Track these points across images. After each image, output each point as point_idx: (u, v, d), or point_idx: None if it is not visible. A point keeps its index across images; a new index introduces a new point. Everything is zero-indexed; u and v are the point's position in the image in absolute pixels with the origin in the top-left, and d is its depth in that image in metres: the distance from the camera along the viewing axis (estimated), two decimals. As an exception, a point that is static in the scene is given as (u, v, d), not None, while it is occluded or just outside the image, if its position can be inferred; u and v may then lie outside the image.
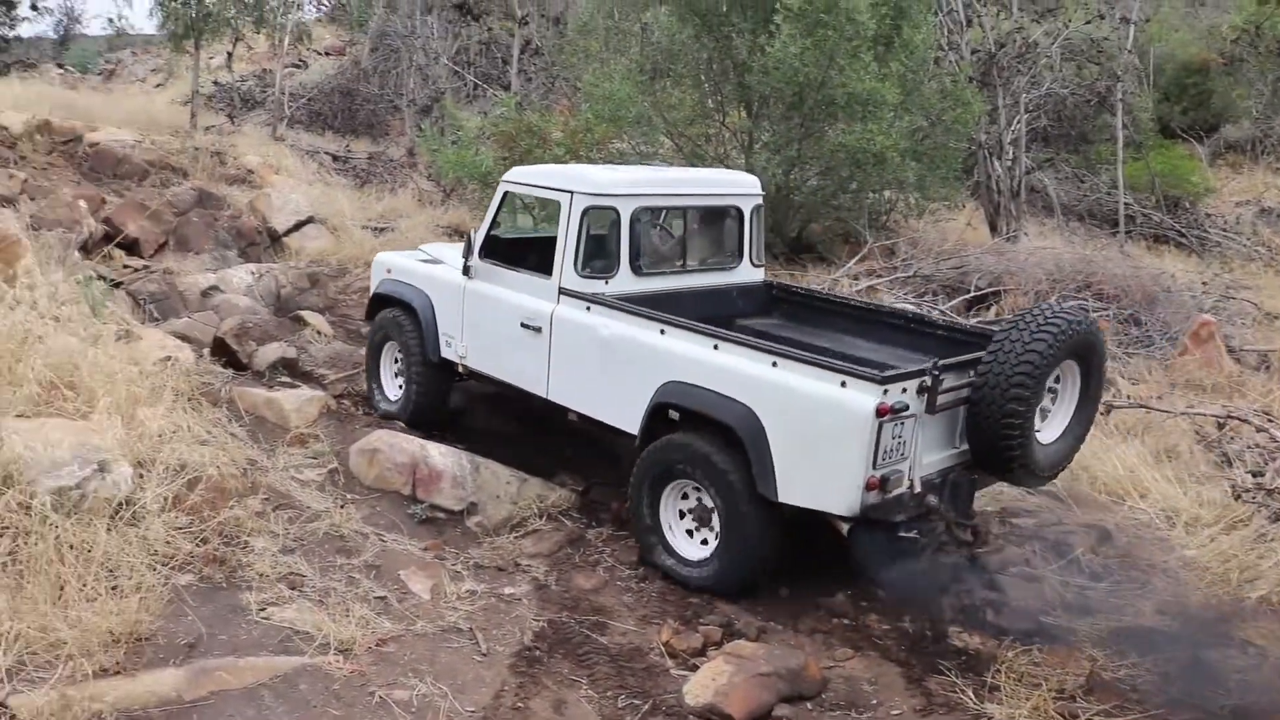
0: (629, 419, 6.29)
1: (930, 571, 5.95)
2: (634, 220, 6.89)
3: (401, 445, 7.06)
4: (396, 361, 8.25)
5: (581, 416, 6.88)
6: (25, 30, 32.17)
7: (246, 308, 10.34)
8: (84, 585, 4.92)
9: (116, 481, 5.65)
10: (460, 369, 7.70)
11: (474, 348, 7.48)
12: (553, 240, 6.91)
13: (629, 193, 6.90)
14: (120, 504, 5.59)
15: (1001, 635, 5.59)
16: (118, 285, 9.89)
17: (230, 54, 23.85)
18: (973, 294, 12.23)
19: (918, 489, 5.47)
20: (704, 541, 6.04)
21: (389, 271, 8.30)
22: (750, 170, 13.48)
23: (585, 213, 6.76)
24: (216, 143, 17.53)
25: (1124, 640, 5.47)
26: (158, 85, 27.99)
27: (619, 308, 6.48)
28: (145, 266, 11.46)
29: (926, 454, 5.57)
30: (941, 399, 5.38)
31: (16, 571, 4.90)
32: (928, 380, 5.30)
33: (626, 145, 14.10)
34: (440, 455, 6.98)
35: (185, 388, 7.29)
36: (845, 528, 5.93)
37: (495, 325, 7.24)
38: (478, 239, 7.41)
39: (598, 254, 6.88)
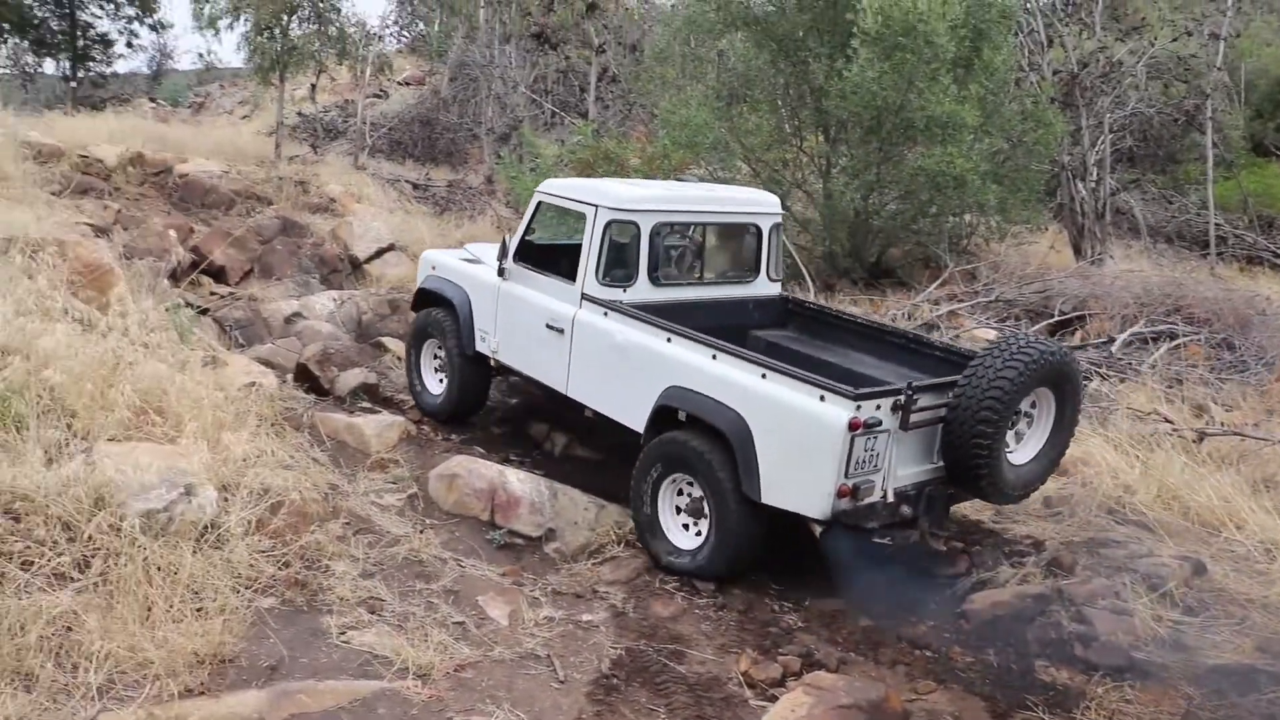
0: (636, 418, 6.76)
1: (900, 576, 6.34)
2: (654, 234, 7.32)
3: (480, 471, 7.09)
4: (436, 358, 8.72)
5: (595, 413, 7.30)
6: (121, 66, 33.37)
7: (328, 334, 10.49)
8: (170, 607, 4.99)
9: (202, 505, 5.74)
10: (492, 363, 8.23)
11: (505, 344, 7.98)
12: (579, 248, 7.35)
13: (649, 208, 7.33)
14: (206, 527, 5.67)
15: (1091, 670, 5.43)
16: (204, 312, 10.11)
17: (314, 86, 24.40)
18: (1056, 318, 12.00)
19: (891, 499, 5.86)
20: (698, 533, 6.41)
21: (434, 268, 8.82)
22: (828, 195, 13.42)
23: (608, 225, 7.22)
24: (300, 172, 17.89)
25: (1221, 679, 5.27)
26: (244, 117, 28.69)
27: (631, 315, 6.92)
28: (231, 293, 11.71)
29: (902, 467, 5.93)
30: (918, 417, 5.73)
31: (107, 592, 4.99)
32: (902, 399, 5.65)
33: (704, 171, 14.09)
34: (519, 481, 6.99)
35: (269, 413, 7.40)
36: (818, 530, 6.27)
37: (524, 324, 7.73)
38: (512, 244, 7.90)
39: (618, 264, 7.30)
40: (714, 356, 6.28)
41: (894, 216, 13.85)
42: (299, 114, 24.26)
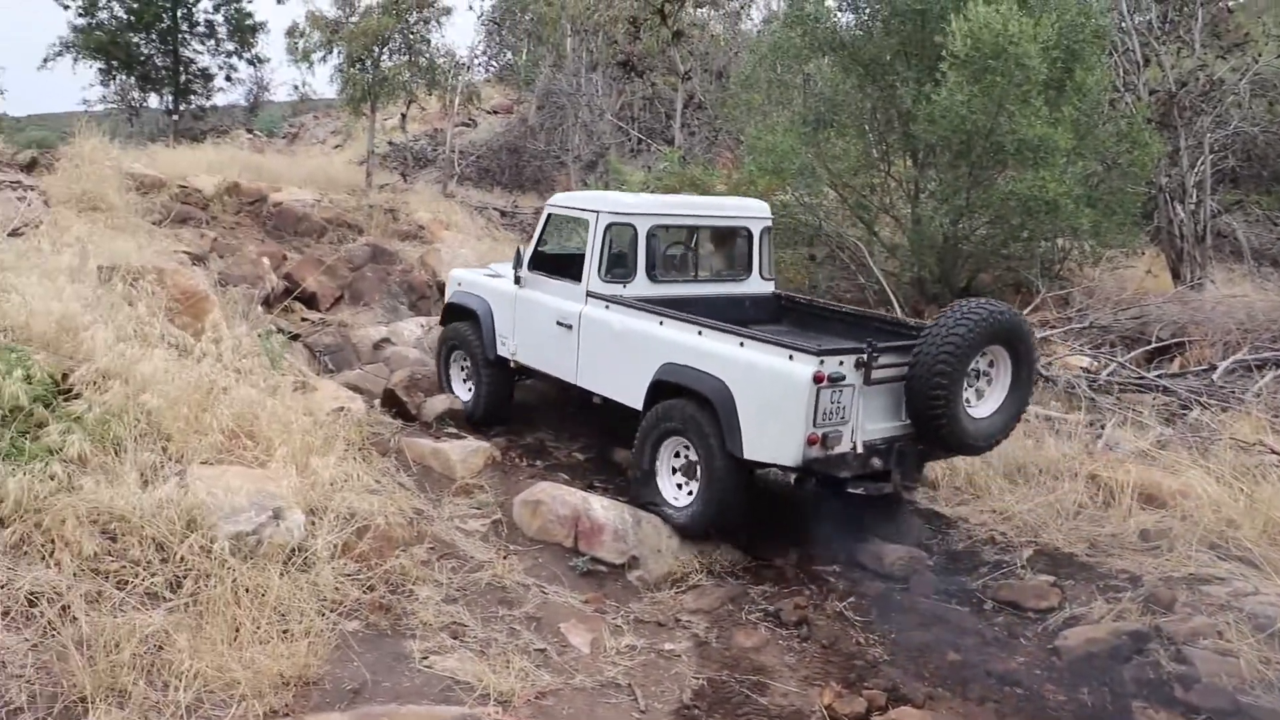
0: (635, 397, 7.48)
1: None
2: (649, 236, 8.23)
3: (564, 497, 7.09)
4: (464, 368, 9.49)
5: (603, 399, 8.02)
6: (220, 99, 34.40)
7: (416, 360, 10.61)
8: (258, 628, 5.06)
9: (290, 528, 5.82)
10: (512, 364, 8.92)
11: (522, 345, 8.76)
12: (584, 255, 8.19)
13: (644, 212, 8.29)
14: (293, 550, 5.76)
15: (1192, 714, 5.23)
16: (296, 338, 10.30)
17: (404, 115, 24.83)
18: (1154, 345, 11.66)
19: (860, 450, 6.55)
20: (689, 493, 7.12)
21: (460, 284, 9.64)
22: (917, 220, 13.26)
23: (608, 229, 8.10)
24: (390, 200, 18.20)
25: (1335, 724, 5.04)
26: (336, 146, 29.30)
27: (629, 305, 7.79)
28: (322, 320, 11.93)
29: (871, 422, 6.63)
30: (880, 374, 6.44)
31: (197, 612, 5.08)
32: (864, 357, 6.37)
33: (790, 197, 14.01)
34: (602, 508, 6.98)
35: (356, 438, 7.50)
36: (792, 478, 6.84)
37: (538, 325, 8.52)
38: (527, 254, 8.78)
39: (618, 263, 8.20)
40: (700, 333, 7.07)
41: (984, 241, 13.61)
42: (389, 143, 24.72)
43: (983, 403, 6.93)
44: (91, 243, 9.90)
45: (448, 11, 23.59)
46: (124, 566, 5.28)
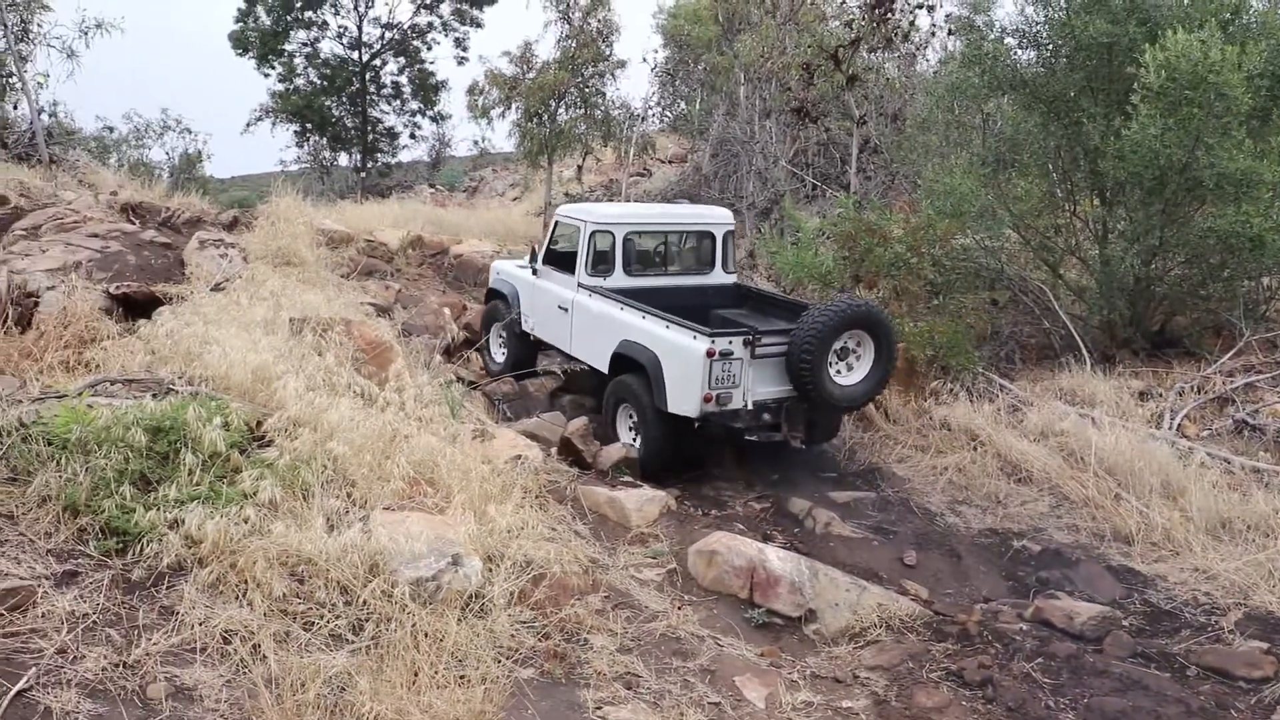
0: (604, 364, 9.67)
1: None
2: (625, 239, 10.36)
3: (740, 548, 6.98)
4: (500, 338, 11.91)
5: (589, 367, 10.27)
6: (405, 156, 35.85)
7: (590, 407, 10.68)
8: (436, 673, 5.11)
9: (468, 575, 5.90)
10: (531, 338, 11.27)
11: (536, 322, 11.15)
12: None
13: (621, 221, 10.47)
14: (470, 596, 5.83)
15: None
16: (475, 386, 10.54)
17: (580, 167, 25.32)
18: (1376, 391, 10.80)
19: (750, 407, 8.71)
20: (636, 439, 9.26)
21: (498, 273, 12.17)
22: (1105, 261, 12.69)
23: (593, 234, 10.25)
24: (567, 250, 18.46)
25: None
26: (515, 199, 30.06)
27: (603, 294, 9.95)
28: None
29: (762, 386, 8.77)
30: (763, 350, 8.65)
31: (378, 655, 5.18)
32: (749, 338, 8.58)
33: (970, 241, 13.61)
34: (779, 559, 6.85)
35: (533, 485, 7.58)
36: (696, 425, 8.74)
37: (547, 307, 10.84)
38: (540, 252, 11.14)
39: (601, 260, 10.30)
40: (643, 318, 9.22)
41: (1180, 282, 12.88)
42: (566, 194, 25.20)
43: (852, 373, 9.00)
44: (284, 296, 10.39)
45: (622, 64, 24.08)
46: (311, 608, 5.44)
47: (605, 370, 9.66)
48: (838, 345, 8.78)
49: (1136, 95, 11.07)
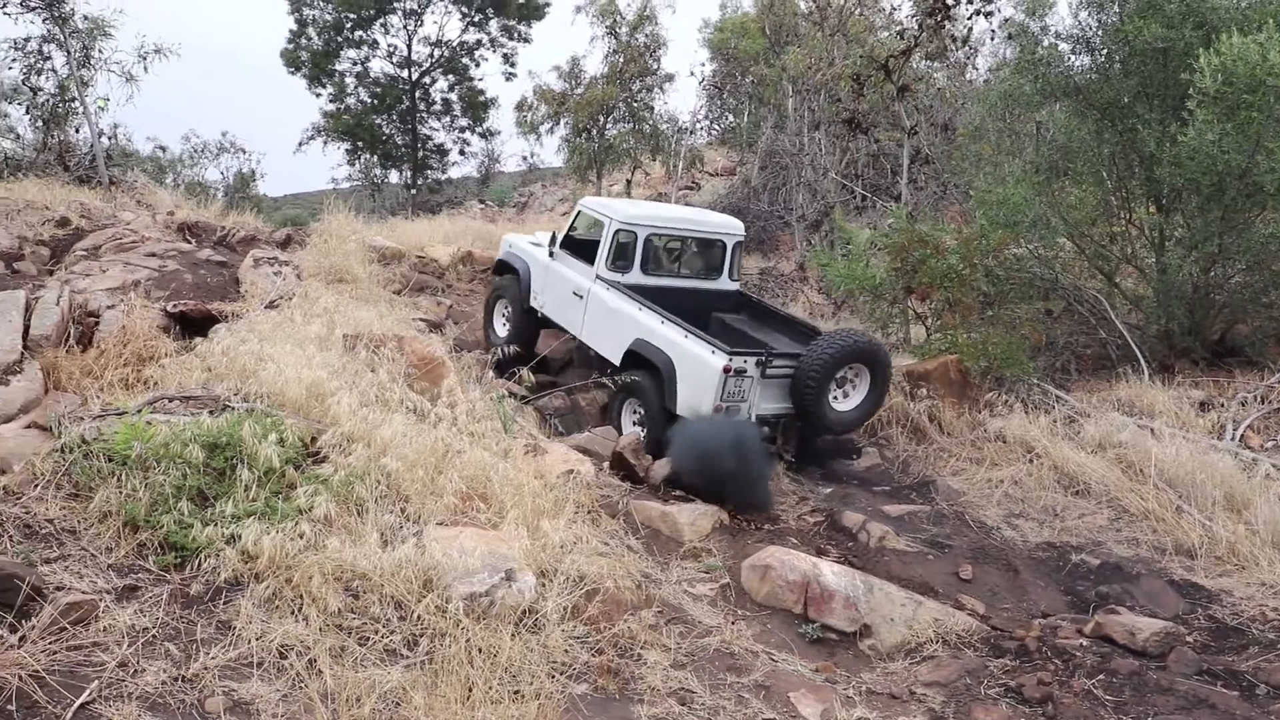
0: (616, 356, 10.12)
1: None
2: (647, 240, 10.85)
3: (794, 562, 6.93)
4: (503, 314, 12.32)
5: (597, 355, 10.73)
6: (454, 172, 36.11)
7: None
8: (489, 688, 5.10)
9: (521, 590, 5.90)
10: (539, 315, 11.67)
11: (547, 302, 11.55)
12: (598, 244, 10.78)
13: (644, 222, 10.90)
14: (524, 611, 5.83)
15: None
16: (526, 401, 10.55)
17: (629, 181, 25.36)
18: None
19: (753, 420, 9.20)
20: (642, 434, 9.55)
21: (510, 246, 12.55)
22: (1163, 269, 12.51)
23: (616, 231, 10.69)
24: (617, 264, 18.47)
25: None
26: (564, 214, 30.11)
27: (623, 290, 10.36)
28: (552, 383, 12.17)
29: (765, 403, 9.35)
30: (773, 372, 9.20)
31: (432, 670, 5.18)
32: (762, 359, 9.14)
33: (1024, 250, 13.45)
34: (833, 574, 6.79)
35: (585, 500, 7.58)
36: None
37: (560, 290, 11.26)
38: (560, 237, 11.57)
39: (621, 257, 10.76)
40: (662, 322, 9.68)
41: (1241, 290, 12.65)
42: (615, 210, 25.24)
43: (848, 400, 9.62)
44: (338, 312, 10.48)
45: (670, 78, 24.13)
46: (365, 623, 5.47)
47: (616, 362, 10.12)
48: (838, 374, 9.41)
49: (1193, 100, 10.90)
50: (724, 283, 11.55)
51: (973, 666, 6.26)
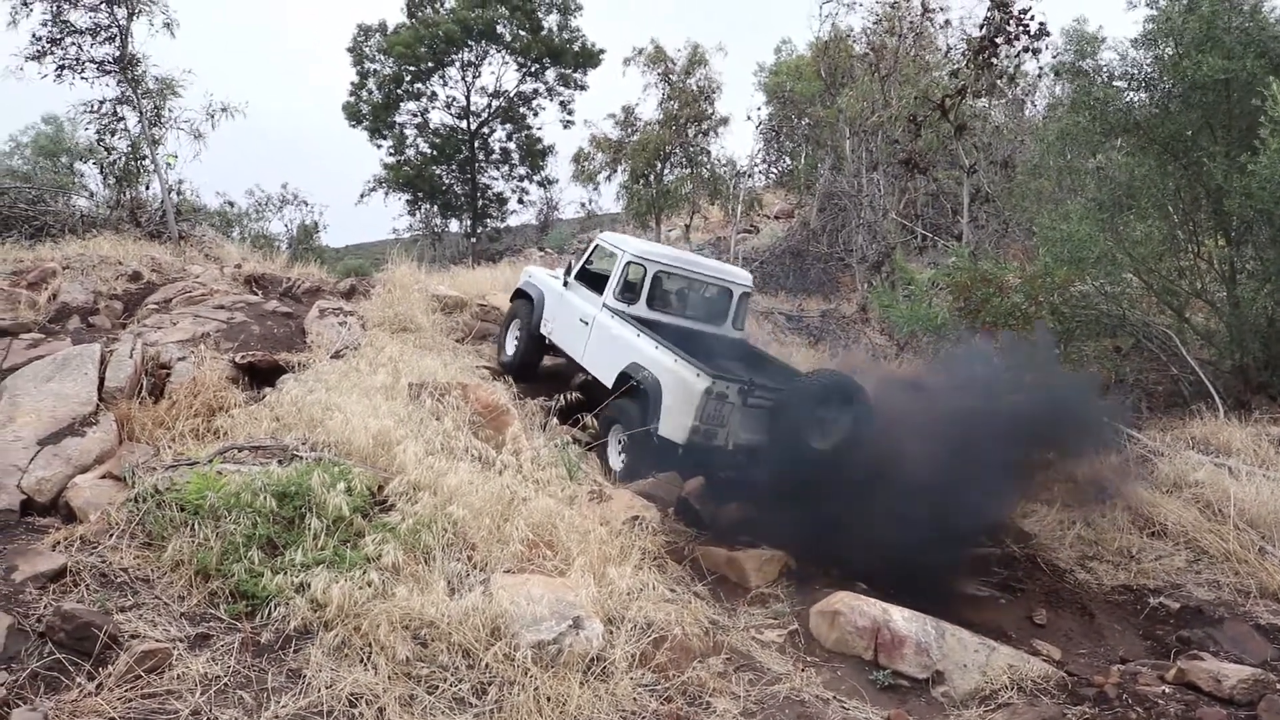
0: (610, 379, 10.35)
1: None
2: (655, 277, 11.28)
3: (863, 608, 6.83)
4: (516, 335, 12.67)
5: (593, 377, 10.91)
6: (513, 220, 36.45)
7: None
8: (559, 738, 5.07)
9: (589, 638, 5.87)
10: (547, 341, 12.06)
11: (555, 328, 11.93)
12: (608, 278, 11.25)
13: (655, 259, 11.36)
14: (592, 659, 5.79)
15: None
16: (591, 448, 10.55)
17: (688, 225, 25.44)
18: None
19: (730, 447, 9.30)
20: (622, 458, 9.85)
21: (529, 276, 13.12)
22: (1235, 303, 12.27)
23: (628, 264, 11.16)
24: (677, 309, 18.49)
25: None
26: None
27: (624, 318, 10.79)
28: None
29: (745, 432, 9.30)
30: (753, 401, 9.22)
31: (501, 719, 5.16)
32: (744, 386, 9.23)
33: (1090, 287, 13.26)
34: (904, 620, 6.67)
35: (651, 546, 7.53)
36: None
37: (569, 318, 11.66)
38: (575, 268, 11.98)
39: (628, 289, 11.21)
40: (655, 347, 9.92)
41: (1318, 322, 12.36)
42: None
43: (827, 439, 9.07)
44: (402, 361, 10.59)
45: (724, 121, 24.22)
46: (434, 671, 5.47)
47: (609, 385, 10.34)
48: (819, 412, 9.15)
49: (1264, 129, 10.71)
50: (728, 330, 11.77)
51: (1050, 714, 6.09)
